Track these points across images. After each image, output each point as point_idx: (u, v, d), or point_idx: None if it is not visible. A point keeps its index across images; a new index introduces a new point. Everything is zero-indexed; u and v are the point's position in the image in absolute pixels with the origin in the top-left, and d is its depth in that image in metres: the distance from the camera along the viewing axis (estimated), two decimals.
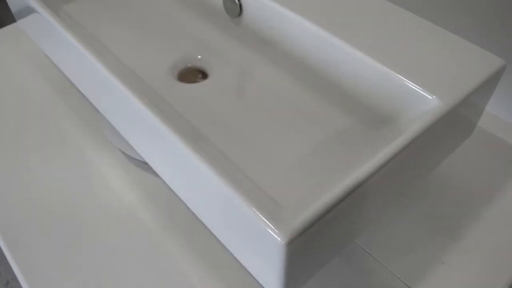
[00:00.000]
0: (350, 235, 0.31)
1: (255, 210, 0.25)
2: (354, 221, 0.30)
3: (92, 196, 0.40)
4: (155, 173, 0.41)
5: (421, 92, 0.32)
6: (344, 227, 0.29)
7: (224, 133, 0.36)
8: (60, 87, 0.49)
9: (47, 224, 0.38)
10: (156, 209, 0.39)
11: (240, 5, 0.42)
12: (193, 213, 0.36)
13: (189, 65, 0.43)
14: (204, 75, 0.42)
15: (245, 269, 0.34)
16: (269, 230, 0.24)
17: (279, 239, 0.24)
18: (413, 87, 0.32)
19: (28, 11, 0.43)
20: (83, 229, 0.37)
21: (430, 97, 0.31)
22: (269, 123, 0.37)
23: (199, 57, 0.43)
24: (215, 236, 0.36)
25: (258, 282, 0.33)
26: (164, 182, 0.39)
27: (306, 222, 0.25)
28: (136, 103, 0.32)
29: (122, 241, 0.37)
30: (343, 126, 0.36)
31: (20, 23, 0.48)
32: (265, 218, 0.25)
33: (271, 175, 0.32)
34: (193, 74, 0.43)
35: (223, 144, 0.34)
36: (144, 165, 0.42)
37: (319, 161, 0.33)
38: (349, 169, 0.28)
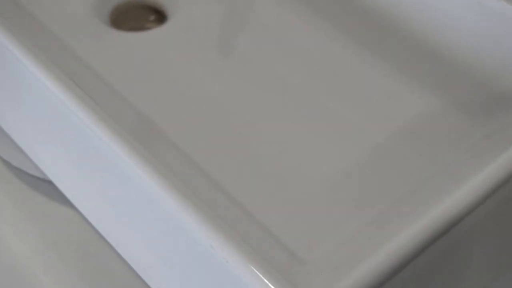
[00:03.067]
0: None
1: (256, 271, 0.25)
2: None
3: None
4: (65, 201, 0.41)
5: None
6: None
7: (198, 126, 0.36)
8: None
9: None
10: (68, 267, 0.39)
11: None
12: (137, 275, 0.36)
13: None
14: (159, 15, 0.43)
15: None
16: None
17: None
18: None
19: None
20: None
21: None
22: (280, 107, 0.37)
23: None
24: None
25: None
26: (82, 216, 0.39)
27: None
28: (28, 69, 0.32)
29: None
30: (423, 113, 0.36)
31: None
32: (275, 287, 0.25)
33: (285, 206, 0.33)
34: (138, 15, 0.43)
35: (196, 147, 0.35)
36: (44, 185, 0.42)
37: (375, 180, 0.34)
38: (432, 195, 0.29)
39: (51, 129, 0.35)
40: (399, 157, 0.35)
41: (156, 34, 0.41)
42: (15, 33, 0.33)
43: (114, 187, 0.32)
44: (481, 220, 0.29)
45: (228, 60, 0.40)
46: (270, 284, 0.25)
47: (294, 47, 0.40)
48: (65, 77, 0.32)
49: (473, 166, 0.29)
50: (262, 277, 0.25)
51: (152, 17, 0.43)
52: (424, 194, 0.30)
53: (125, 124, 0.33)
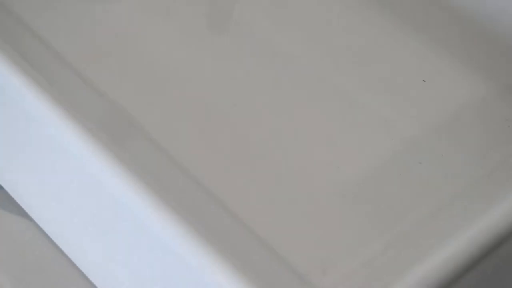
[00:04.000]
0: None
1: None
2: None
3: None
4: (20, 210, 0.41)
5: None
6: None
7: (186, 120, 0.36)
8: None
9: None
10: (24, 284, 0.40)
11: None
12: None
13: None
14: None
15: None
16: None
17: None
18: None
19: None
20: None
21: None
22: (286, 96, 0.37)
23: None
24: None
25: None
26: (40, 229, 0.40)
27: None
28: None
29: None
30: (463, 101, 0.37)
31: None
32: None
33: (294, 224, 0.33)
34: None
35: (184, 147, 0.35)
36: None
37: (401, 188, 0.34)
38: (473, 204, 0.29)
39: (6, 130, 0.35)
40: (434, 156, 0.35)
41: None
42: None
43: (84, 198, 0.32)
44: None
45: (221, 36, 0.41)
46: None
47: (305, 21, 0.41)
48: (14, 53, 0.32)
49: None
50: None
51: None
52: (465, 204, 0.30)
53: (94, 118, 0.33)
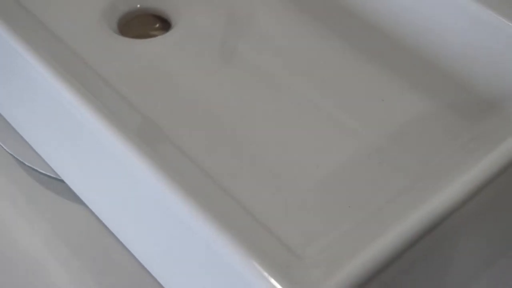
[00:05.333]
0: None
1: (256, 264, 0.25)
2: (430, 286, 0.31)
3: None
4: (75, 197, 0.41)
5: None
6: None
7: (200, 129, 0.36)
8: None
9: None
10: (78, 260, 0.39)
11: None
12: (147, 271, 0.36)
13: (138, 6, 0.43)
14: (163, 23, 0.43)
15: None
16: None
17: None
18: None
19: None
20: None
21: None
22: (278, 111, 0.37)
23: None
24: None
25: None
26: (92, 212, 0.40)
27: (345, 287, 0.25)
28: (41, 74, 0.32)
29: None
30: (413, 116, 0.36)
31: None
32: (274, 279, 0.25)
33: (283, 206, 0.33)
34: (144, 23, 0.43)
35: (199, 149, 0.35)
36: (56, 183, 0.42)
37: (368, 180, 0.34)
38: (420, 194, 0.29)
39: (62, 132, 0.35)
40: (391, 158, 0.35)
41: (160, 41, 0.41)
42: (29, 41, 0.34)
43: (123, 187, 0.32)
44: (466, 218, 0.29)
45: (228, 66, 0.40)
46: (270, 278, 0.25)
47: (291, 53, 0.40)
48: (76, 82, 0.32)
49: (460, 167, 0.29)
50: (263, 271, 0.25)
51: (157, 25, 0.43)
52: (413, 194, 0.30)
53: (130, 126, 0.33)
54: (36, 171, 0.42)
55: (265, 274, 0.25)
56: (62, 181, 0.39)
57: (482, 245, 0.33)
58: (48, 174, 0.41)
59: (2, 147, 0.43)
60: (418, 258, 0.28)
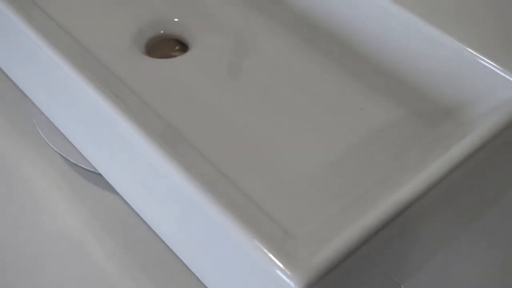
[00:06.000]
0: (393, 280, 0.32)
1: (257, 242, 0.26)
2: (400, 260, 0.31)
3: (18, 221, 0.40)
4: (111, 188, 0.41)
5: (501, 73, 0.33)
6: (384, 268, 0.30)
7: (212, 132, 0.36)
8: None
9: None
10: (114, 241, 0.39)
11: None
12: (168, 247, 0.37)
13: (162, 32, 0.43)
14: (183, 46, 0.43)
15: None
16: (278, 271, 0.25)
17: (292, 283, 0.25)
18: (489, 66, 0.33)
19: None
20: (7, 273, 0.38)
21: None
22: (277, 117, 0.37)
23: (176, 20, 0.44)
24: (198, 279, 0.36)
25: None
26: (124, 201, 0.40)
27: (330, 261, 0.25)
28: (83, 88, 0.32)
29: (62, 285, 0.37)
30: (386, 122, 0.36)
31: None
32: (272, 254, 0.25)
33: (280, 194, 0.33)
34: (167, 46, 0.43)
35: (211, 148, 0.35)
36: (95, 177, 0.42)
37: (349, 173, 0.34)
38: (392, 184, 0.29)
39: (100, 135, 0.35)
40: (368, 155, 0.35)
41: (180, 60, 0.41)
42: (75, 63, 0.34)
43: (149, 180, 0.32)
44: (428, 204, 0.29)
45: (235, 80, 0.40)
46: (268, 252, 0.25)
47: (287, 71, 0.41)
48: (112, 94, 0.32)
49: (424, 162, 0.30)
50: (262, 248, 0.26)
51: (177, 47, 0.43)
52: (386, 185, 0.30)
53: (157, 128, 0.34)
54: (79, 166, 0.42)
55: (265, 250, 0.25)
56: (99, 174, 0.39)
57: (441, 226, 0.33)
58: (88, 169, 0.41)
59: (52, 148, 0.43)
60: (390, 237, 0.28)
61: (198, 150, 0.34)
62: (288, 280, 0.25)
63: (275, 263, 0.25)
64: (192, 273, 0.34)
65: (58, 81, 0.35)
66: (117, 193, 0.39)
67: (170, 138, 0.34)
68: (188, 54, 0.42)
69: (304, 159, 0.35)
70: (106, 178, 0.38)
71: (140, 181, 0.33)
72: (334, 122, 0.37)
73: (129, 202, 0.36)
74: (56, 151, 0.43)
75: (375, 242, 0.27)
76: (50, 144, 0.43)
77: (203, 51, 0.42)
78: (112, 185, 0.37)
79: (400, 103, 0.37)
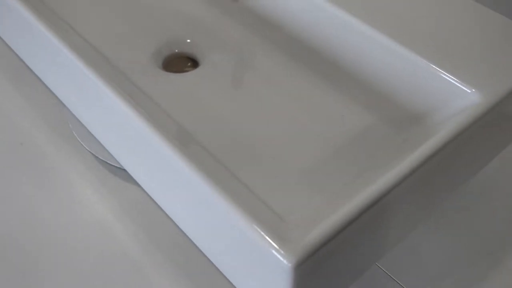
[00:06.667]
0: (370, 257, 0.32)
1: (256, 227, 0.26)
2: (376, 241, 0.31)
3: (58, 210, 0.40)
4: (133, 181, 0.41)
5: (458, 85, 0.32)
6: (363, 247, 0.30)
7: (219, 134, 0.36)
8: (17, 77, 0.48)
9: (2, 246, 0.38)
10: (136, 226, 0.39)
11: None
12: (182, 231, 0.37)
13: (176, 50, 0.43)
14: (194, 63, 0.43)
15: None
16: (273, 251, 0.25)
17: (285, 261, 0.25)
18: (448, 78, 0.33)
19: None
20: (46, 252, 0.38)
21: (469, 91, 0.32)
22: (272, 122, 0.37)
23: (188, 41, 0.43)
24: (208, 259, 0.36)
25: None
26: (144, 191, 0.40)
27: (317, 242, 0.25)
28: (110, 98, 0.32)
29: (95, 268, 0.37)
30: (363, 126, 0.36)
31: None
32: (268, 237, 0.25)
33: (275, 186, 0.33)
34: (181, 62, 0.43)
35: (217, 147, 0.35)
36: (121, 172, 0.42)
37: (333, 169, 0.34)
38: (369, 178, 0.29)
39: (124, 136, 0.35)
40: (349, 153, 0.35)
41: (191, 75, 0.41)
42: (106, 78, 0.34)
43: (168, 176, 0.32)
44: (400, 194, 0.29)
45: (237, 91, 0.40)
46: (264, 235, 0.26)
47: (280, 83, 0.41)
48: (135, 103, 0.32)
49: (396, 160, 0.30)
50: (260, 231, 0.26)
51: (189, 64, 0.43)
52: (364, 178, 0.30)
53: (172, 131, 0.33)
54: (106, 163, 0.42)
55: (262, 233, 0.26)
56: (124, 170, 0.39)
57: (409, 213, 0.33)
58: (114, 165, 0.41)
59: (84, 147, 0.43)
60: (366, 223, 0.28)
61: (206, 149, 0.34)
62: (282, 258, 0.25)
63: (271, 244, 0.25)
64: (202, 252, 0.34)
65: (90, 91, 0.35)
66: (138, 185, 0.39)
67: (183, 138, 0.34)
68: (198, 69, 0.42)
69: (295, 158, 0.35)
70: (129, 172, 0.38)
71: (158, 175, 0.33)
72: (320, 126, 0.37)
73: (148, 192, 0.36)
74: (88, 150, 0.43)
75: (354, 227, 0.27)
76: (83, 144, 0.43)
77: (211, 67, 0.42)
78: (134, 178, 0.37)
79: (375, 111, 0.37)
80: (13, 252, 0.38)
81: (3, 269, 0.37)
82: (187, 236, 0.35)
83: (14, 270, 0.37)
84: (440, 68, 0.33)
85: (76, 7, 0.45)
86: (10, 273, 0.37)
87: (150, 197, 0.38)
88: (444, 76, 0.33)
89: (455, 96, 0.33)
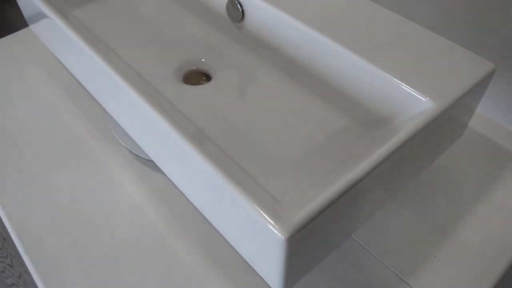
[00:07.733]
0: (347, 231, 0.31)
1: (256, 207, 0.25)
2: (351, 218, 0.31)
3: (101, 193, 0.40)
4: (160, 170, 0.41)
5: (415, 94, 0.32)
6: (341, 223, 0.29)
7: (227, 133, 0.36)
8: (70, 89, 0.49)
9: (58, 221, 0.38)
10: (161, 204, 0.39)
11: (242, 11, 0.42)
12: (197, 210, 0.36)
13: (194, 67, 0.43)
14: (207, 77, 0.43)
15: (249, 265, 0.34)
16: (270, 226, 0.25)
17: (279, 234, 0.24)
18: (407, 89, 0.32)
19: (39, 16, 0.43)
20: (93, 225, 0.37)
21: (424, 99, 0.31)
22: (269, 124, 0.37)
23: (203, 60, 0.43)
24: (218, 232, 0.36)
25: (260, 277, 0.33)
26: (169, 179, 0.39)
27: (305, 219, 0.25)
28: (142, 105, 0.32)
29: (129, 238, 0.37)
30: (341, 128, 0.36)
31: (32, 28, 0.49)
32: (266, 215, 0.25)
33: (272, 174, 0.32)
34: (197, 77, 0.43)
35: (226, 143, 0.34)
36: (151, 164, 0.42)
37: (317, 160, 0.33)
38: (346, 168, 0.28)
39: (151, 135, 0.34)
40: (329, 148, 0.35)
41: (206, 87, 0.41)
42: (138, 89, 0.33)
43: (186, 166, 0.31)
44: (371, 180, 0.29)
45: (242, 100, 0.39)
46: (263, 213, 0.25)
47: (276, 94, 0.40)
48: (161, 109, 0.31)
49: (365, 153, 0.29)
50: (260, 210, 0.25)
51: (203, 78, 0.43)
52: (342, 168, 0.30)
53: (189, 130, 0.33)
54: (139, 156, 0.42)
55: (261, 212, 0.25)
56: (153, 161, 0.39)
57: (379, 193, 0.32)
58: (145, 157, 0.41)
59: (122, 144, 0.43)
60: (345, 203, 0.28)
61: (217, 145, 0.33)
62: (276, 232, 0.24)
63: (268, 221, 0.25)
64: (213, 226, 0.33)
65: (126, 100, 0.35)
66: (163, 173, 0.39)
67: (199, 137, 0.34)
68: (211, 82, 0.41)
69: (288, 151, 0.34)
70: (156, 164, 0.37)
71: (179, 166, 0.33)
72: (307, 126, 0.36)
73: (172, 180, 0.36)
74: (124, 146, 0.42)
75: (335, 207, 0.27)
76: (121, 142, 0.42)
77: (221, 81, 0.41)
78: (161, 168, 0.37)
79: (350, 115, 0.37)
80: (69, 223, 0.38)
81: (64, 238, 0.37)
82: (201, 214, 0.34)
83: (70, 236, 0.37)
84: (401, 81, 0.33)
85: (115, 36, 0.45)
86: (68, 240, 0.36)
87: (173, 183, 0.38)
88: (404, 87, 0.33)
89: (413, 103, 0.32)
